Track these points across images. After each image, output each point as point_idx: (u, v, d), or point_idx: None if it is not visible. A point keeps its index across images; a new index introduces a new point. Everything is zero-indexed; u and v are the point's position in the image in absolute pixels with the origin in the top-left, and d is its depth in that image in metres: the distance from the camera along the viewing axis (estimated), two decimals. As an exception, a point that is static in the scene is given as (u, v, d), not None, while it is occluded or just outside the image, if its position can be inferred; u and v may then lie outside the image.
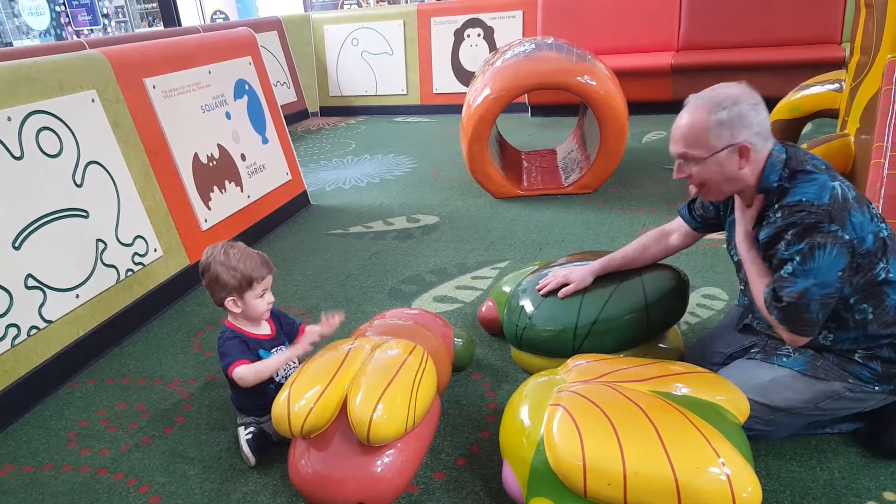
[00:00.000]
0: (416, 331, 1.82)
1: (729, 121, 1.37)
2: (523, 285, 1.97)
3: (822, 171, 1.39)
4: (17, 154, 2.09)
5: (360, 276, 2.79)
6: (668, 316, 1.85)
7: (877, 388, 1.46)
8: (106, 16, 10.22)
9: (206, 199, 2.92)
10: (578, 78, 3.20)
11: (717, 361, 1.70)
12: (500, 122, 4.05)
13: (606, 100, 3.21)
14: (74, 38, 9.24)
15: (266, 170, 3.40)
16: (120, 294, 2.41)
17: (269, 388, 1.71)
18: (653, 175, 3.75)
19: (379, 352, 1.61)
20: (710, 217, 1.72)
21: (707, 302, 2.30)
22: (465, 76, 5.96)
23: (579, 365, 1.52)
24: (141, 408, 2.00)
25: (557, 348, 1.82)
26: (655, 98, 5.01)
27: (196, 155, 2.91)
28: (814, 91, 3.12)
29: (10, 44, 9.84)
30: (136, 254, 2.49)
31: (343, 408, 1.51)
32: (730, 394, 1.40)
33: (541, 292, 1.87)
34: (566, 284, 1.85)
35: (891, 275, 1.39)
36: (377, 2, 10.07)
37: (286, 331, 1.83)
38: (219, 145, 3.08)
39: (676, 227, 1.83)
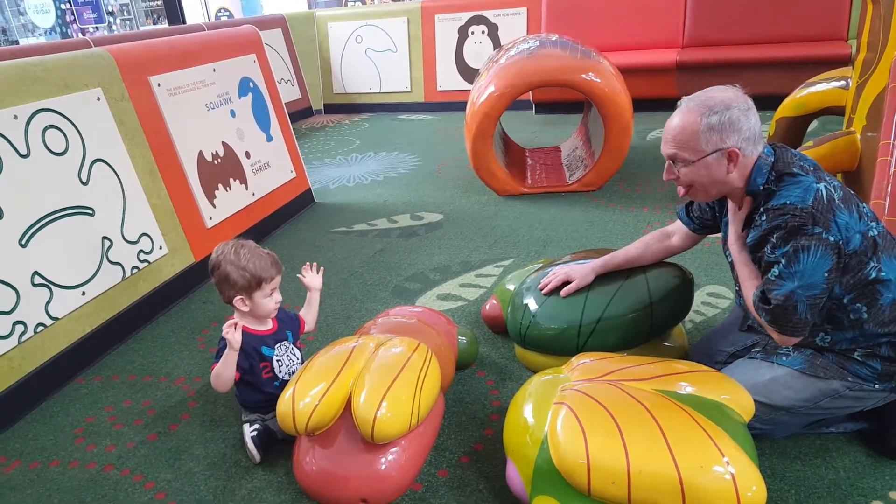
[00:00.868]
0: (419, 329, 1.83)
1: (720, 125, 1.39)
2: (527, 283, 1.97)
3: (808, 173, 1.40)
4: (24, 152, 2.10)
5: (364, 274, 2.79)
6: (672, 314, 1.84)
7: (877, 386, 1.46)
8: (111, 13, 10.25)
9: (211, 197, 2.92)
10: (583, 75, 3.19)
11: (720, 360, 1.70)
12: (505, 120, 4.05)
13: (611, 97, 3.20)
14: (80, 36, 9.26)
15: (270, 167, 3.40)
16: (126, 291, 2.42)
17: (271, 384, 1.72)
18: (657, 173, 3.74)
19: (383, 350, 1.62)
20: (707, 219, 1.73)
21: (712, 300, 2.29)
22: (469, 73, 5.95)
23: (583, 363, 1.52)
24: (146, 404, 2.01)
25: (561, 346, 1.81)
26: (660, 95, 4.99)
27: (201, 153, 2.92)
28: (820, 88, 3.10)
29: (16, 42, 9.88)
30: (141, 251, 2.50)
31: (347, 405, 1.51)
32: (734, 392, 1.39)
33: (543, 291, 1.87)
34: (568, 282, 1.85)
35: (882, 273, 1.39)
36: (381, -1, 10.05)
37: (290, 327, 1.83)
38: (223, 143, 3.08)
39: (677, 229, 1.84)
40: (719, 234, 1.74)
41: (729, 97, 1.41)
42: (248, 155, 3.24)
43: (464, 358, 1.96)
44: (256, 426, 1.71)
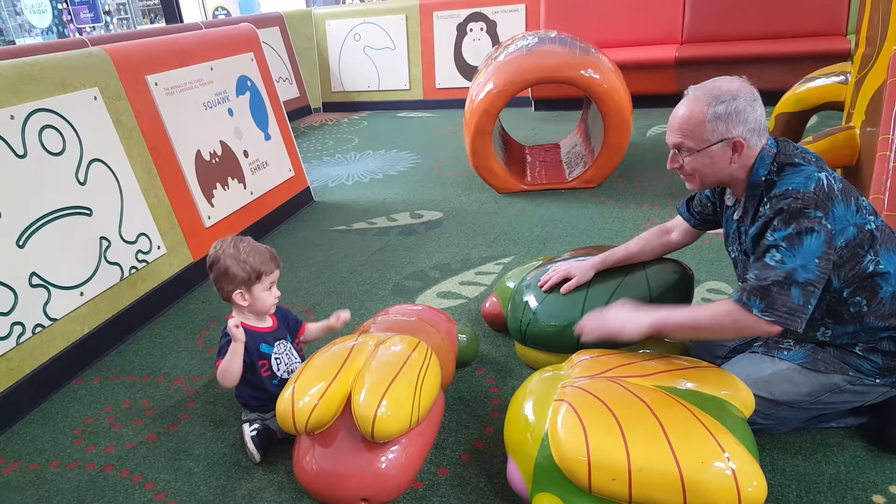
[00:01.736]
0: (419, 327, 1.82)
1: (726, 115, 1.39)
2: (527, 281, 1.97)
3: (810, 164, 1.40)
4: (21, 152, 2.09)
5: (364, 273, 2.78)
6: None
7: (878, 381, 1.46)
8: (108, 13, 10.23)
9: (209, 197, 2.92)
10: (582, 72, 3.19)
11: (720, 355, 1.70)
12: (504, 117, 4.04)
13: (610, 93, 3.19)
14: (76, 35, 9.24)
15: (269, 166, 3.40)
16: (124, 292, 2.41)
17: (270, 382, 1.72)
18: (657, 169, 3.73)
19: (383, 348, 1.61)
20: (707, 214, 1.73)
21: (712, 296, 2.29)
22: (467, 71, 5.94)
23: (584, 360, 1.51)
24: (146, 405, 2.00)
25: (562, 344, 1.81)
26: (659, 91, 4.99)
27: (199, 152, 2.91)
28: (819, 83, 3.10)
29: (13, 42, 9.86)
30: (139, 251, 2.50)
31: (347, 404, 1.51)
32: (735, 388, 1.39)
33: (542, 288, 1.87)
34: (568, 279, 1.84)
35: (881, 267, 1.39)
36: (379, -3, 10.03)
37: (290, 327, 1.83)
38: (221, 142, 3.07)
39: (677, 225, 1.83)
40: (719, 231, 1.74)
41: (736, 87, 1.40)
42: (246, 154, 3.23)
43: (464, 356, 1.96)
44: (256, 426, 1.70)
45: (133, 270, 2.46)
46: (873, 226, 1.39)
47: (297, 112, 6.23)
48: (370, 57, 6.30)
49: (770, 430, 1.56)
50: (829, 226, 1.32)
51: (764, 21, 4.89)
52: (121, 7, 10.44)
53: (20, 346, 2.01)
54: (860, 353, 1.45)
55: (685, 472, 1.18)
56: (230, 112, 3.18)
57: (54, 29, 9.90)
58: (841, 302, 1.42)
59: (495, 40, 5.82)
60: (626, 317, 1.50)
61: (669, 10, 5.16)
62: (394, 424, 1.43)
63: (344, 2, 10.13)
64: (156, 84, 2.73)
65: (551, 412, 1.34)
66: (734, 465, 1.18)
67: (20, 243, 2.04)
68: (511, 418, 1.45)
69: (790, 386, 1.47)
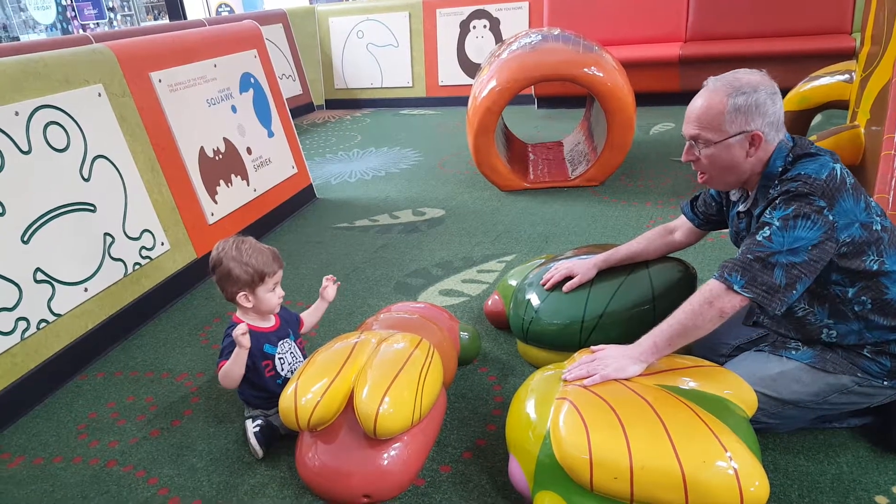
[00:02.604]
0: (422, 324, 1.82)
1: (746, 107, 1.37)
2: (529, 279, 1.97)
3: (825, 154, 1.40)
4: (25, 148, 2.10)
5: (366, 270, 2.79)
6: (675, 309, 1.83)
7: (885, 383, 1.45)
8: (111, 9, 10.23)
9: (212, 193, 2.92)
10: (585, 69, 3.18)
11: (724, 353, 1.70)
12: (507, 115, 4.04)
13: (614, 91, 3.18)
14: (80, 32, 9.25)
15: (272, 163, 3.40)
16: (128, 287, 2.42)
17: (274, 382, 1.72)
18: (661, 168, 3.73)
19: (385, 345, 1.61)
20: (712, 214, 1.72)
21: (714, 295, 2.29)
22: (470, 68, 5.93)
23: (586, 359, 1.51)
24: (149, 400, 2.01)
25: (564, 342, 1.81)
26: (663, 89, 4.97)
27: (202, 149, 2.91)
28: (824, 82, 3.09)
29: (17, 38, 9.87)
30: (143, 247, 2.50)
31: (350, 401, 1.51)
32: (737, 387, 1.39)
33: (545, 286, 1.87)
34: (570, 278, 1.84)
35: (886, 266, 1.38)
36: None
37: (291, 325, 1.83)
38: (225, 139, 3.08)
39: (680, 224, 1.83)
40: (723, 230, 1.73)
41: (756, 80, 1.39)
42: (249, 151, 3.24)
43: (466, 354, 1.96)
44: (259, 422, 1.71)
45: (137, 267, 2.46)
46: (880, 226, 1.39)
47: (300, 109, 6.23)
48: (373, 54, 6.30)
49: (774, 430, 1.56)
50: (830, 217, 1.31)
51: (768, 19, 4.87)
52: (124, 3, 10.45)
53: (24, 342, 2.02)
54: (868, 354, 1.45)
55: (687, 471, 1.18)
56: (234, 109, 3.18)
57: (58, 25, 9.91)
58: (845, 302, 1.42)
59: (498, 38, 5.81)
60: (620, 356, 1.43)
61: (673, 8, 5.14)
62: (396, 422, 1.44)
63: (347, -2, 10.12)
64: (159, 81, 2.73)
65: (553, 410, 1.34)
66: (736, 464, 1.18)
67: (25, 239, 2.05)
68: (513, 416, 1.45)
69: (798, 385, 1.47)
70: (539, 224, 3.10)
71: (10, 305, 1.98)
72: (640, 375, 1.41)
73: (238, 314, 1.75)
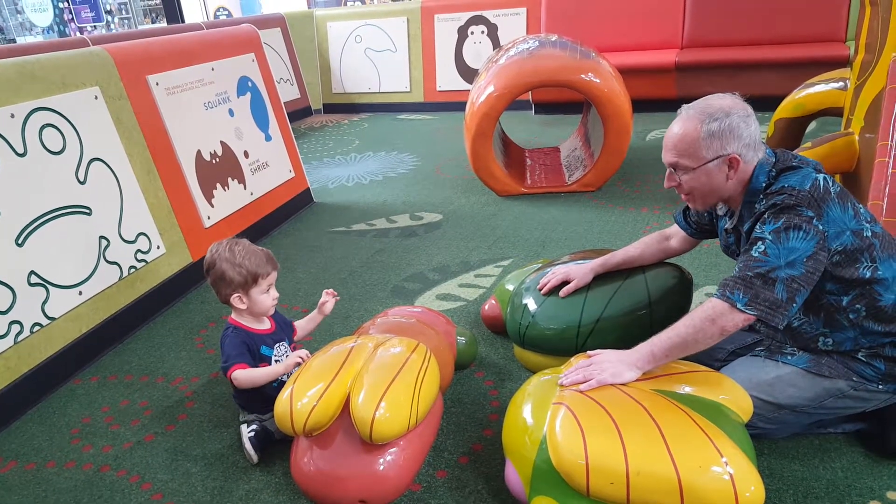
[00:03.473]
0: (418, 329, 1.82)
1: (720, 132, 1.40)
2: (526, 283, 1.97)
3: (807, 166, 1.42)
4: (21, 151, 2.09)
5: (363, 274, 2.78)
6: (671, 314, 1.83)
7: (881, 386, 1.46)
8: (109, 12, 10.23)
9: (209, 197, 2.92)
10: (582, 75, 3.19)
11: (720, 358, 1.70)
12: (504, 120, 4.05)
13: (610, 97, 3.20)
14: (77, 34, 9.25)
15: (269, 167, 3.40)
16: (123, 291, 2.41)
17: (270, 386, 1.72)
18: (657, 173, 3.74)
19: (381, 350, 1.61)
20: (704, 223, 1.74)
21: (710, 301, 2.29)
22: (468, 73, 5.95)
23: (582, 364, 1.51)
24: (143, 405, 2.00)
25: (561, 346, 1.81)
26: (659, 96, 4.99)
27: (199, 152, 2.91)
28: (818, 89, 3.10)
29: (14, 40, 9.85)
30: (138, 251, 2.50)
31: (346, 406, 1.50)
32: (733, 392, 1.39)
33: (542, 291, 1.87)
34: (567, 282, 1.85)
35: (879, 273, 1.39)
36: (380, -1, 10.05)
37: (285, 329, 1.83)
38: (222, 142, 3.08)
39: (676, 232, 1.85)
40: (717, 239, 1.75)
41: (728, 104, 1.42)
42: (246, 154, 3.23)
43: (463, 358, 1.96)
44: (254, 427, 1.70)
45: (132, 270, 2.46)
46: (870, 232, 1.40)
47: (298, 113, 6.23)
48: (371, 59, 6.31)
49: (770, 435, 1.56)
50: (820, 226, 1.33)
51: (764, 26, 4.90)
52: (122, 6, 10.45)
53: (18, 345, 2.01)
54: (863, 358, 1.46)
55: (683, 476, 1.18)
56: (231, 112, 3.18)
57: (55, 28, 9.90)
58: (840, 311, 1.43)
59: (496, 43, 5.83)
60: (617, 362, 1.42)
61: (670, 15, 5.17)
62: (392, 426, 1.43)
63: (345, 3, 10.14)
64: (157, 84, 2.73)
65: (550, 415, 1.34)
66: (732, 469, 1.18)
67: (19, 242, 2.04)
68: (509, 421, 1.45)
69: (794, 390, 1.47)
70: (536, 229, 3.10)
71: (4, 308, 1.97)
72: (636, 381, 1.41)
73: (233, 316, 1.74)
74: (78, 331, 2.22)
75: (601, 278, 1.86)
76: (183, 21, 7.09)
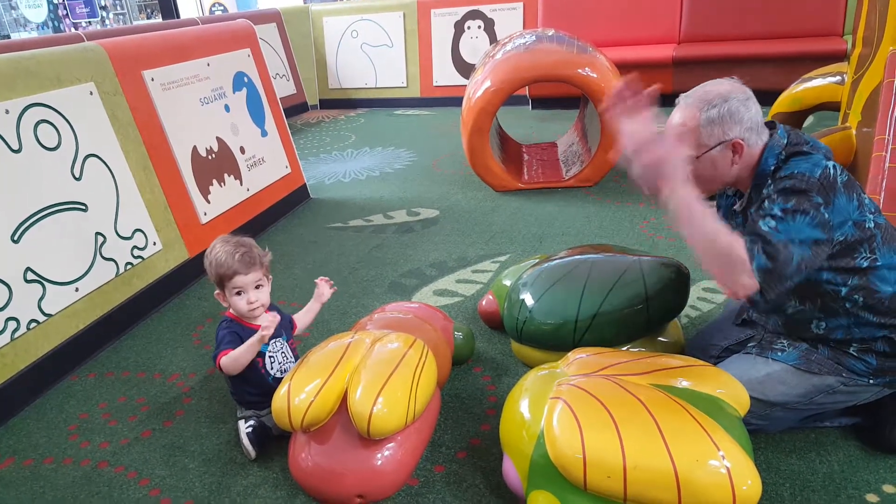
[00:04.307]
0: (416, 324, 1.82)
1: (720, 118, 1.39)
2: (524, 279, 1.97)
3: (818, 152, 1.40)
4: (16, 147, 2.08)
5: (360, 270, 2.78)
6: (668, 309, 1.85)
7: (871, 381, 1.46)
8: (104, 8, 10.17)
9: (205, 193, 2.91)
10: (579, 70, 3.19)
11: (713, 355, 1.71)
12: (501, 115, 4.04)
13: (607, 92, 3.19)
14: (72, 30, 9.20)
15: (265, 163, 3.39)
16: (119, 288, 2.40)
17: (267, 381, 1.71)
18: (653, 168, 3.74)
19: (379, 345, 1.61)
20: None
21: (708, 295, 2.30)
22: (465, 68, 5.93)
23: (579, 358, 1.52)
24: (141, 401, 2.00)
25: (558, 342, 1.81)
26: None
27: (195, 148, 2.90)
28: (815, 83, 3.11)
29: (8, 36, 9.79)
30: (135, 247, 2.49)
31: (343, 401, 1.51)
32: (730, 387, 1.39)
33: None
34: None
35: (878, 264, 1.38)
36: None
37: (284, 325, 1.82)
38: (218, 138, 3.06)
39: None
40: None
41: (726, 89, 1.40)
42: (242, 150, 3.22)
43: (460, 353, 1.96)
44: (252, 422, 1.70)
45: (128, 266, 2.45)
46: (873, 223, 1.39)
47: (294, 109, 6.21)
48: (367, 54, 6.29)
49: (764, 430, 1.56)
50: (826, 215, 1.31)
51: (761, 21, 4.90)
52: (117, 2, 10.39)
53: (14, 342, 2.00)
54: (854, 353, 1.46)
55: (680, 470, 1.18)
56: (227, 108, 3.16)
57: (50, 24, 9.84)
58: (837, 299, 1.42)
59: (493, 38, 5.82)
60: (671, 150, 1.28)
61: (667, 10, 5.17)
62: (390, 422, 1.43)
63: (341, -2, 10.10)
64: (152, 79, 2.72)
65: (547, 410, 1.34)
66: (729, 463, 1.18)
67: (15, 238, 2.03)
68: (507, 416, 1.45)
69: (784, 387, 1.48)
70: (533, 224, 3.10)
71: (0, 305, 1.96)
72: (633, 375, 1.41)
73: (231, 310, 1.74)
74: (75, 327, 2.21)
75: (598, 274, 1.86)
76: (178, 16, 7.06)
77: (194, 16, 8.60)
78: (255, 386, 1.71)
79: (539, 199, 3.43)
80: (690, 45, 5.02)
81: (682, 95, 1.46)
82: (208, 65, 3.07)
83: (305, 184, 3.77)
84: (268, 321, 1.62)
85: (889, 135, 2.13)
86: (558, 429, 1.28)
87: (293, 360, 1.80)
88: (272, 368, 1.73)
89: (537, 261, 2.10)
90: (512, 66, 3.27)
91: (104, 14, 10.16)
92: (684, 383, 1.39)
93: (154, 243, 2.58)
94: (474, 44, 5.89)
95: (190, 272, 2.74)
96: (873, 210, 1.41)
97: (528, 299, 1.88)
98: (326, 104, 6.59)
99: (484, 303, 2.21)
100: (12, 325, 1.99)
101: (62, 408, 2.00)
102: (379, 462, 1.47)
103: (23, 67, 2.17)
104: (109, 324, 2.35)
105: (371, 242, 3.07)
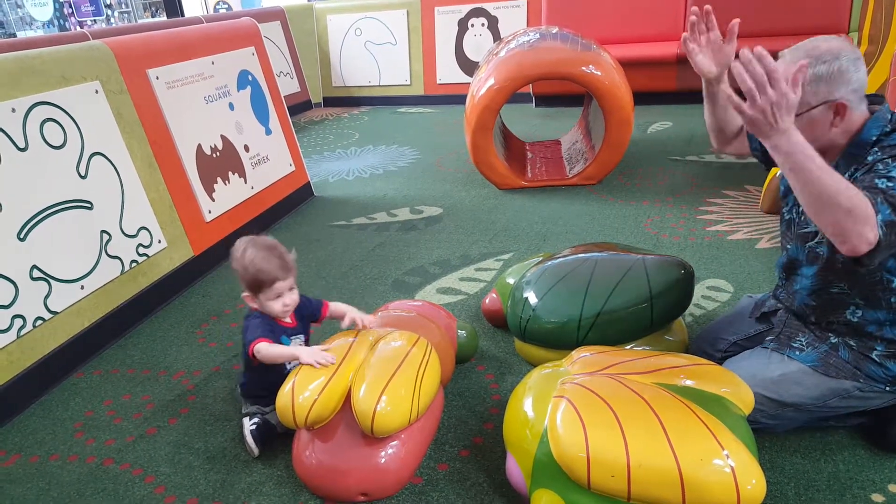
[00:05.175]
0: (419, 322, 1.82)
1: (828, 76, 1.28)
2: (527, 277, 1.97)
3: None
4: (22, 145, 2.09)
5: (364, 268, 2.78)
6: (672, 308, 1.84)
7: (888, 388, 1.44)
8: (109, 6, 10.20)
9: (209, 191, 2.92)
10: (583, 68, 3.18)
11: (721, 348, 1.69)
12: (505, 113, 4.04)
13: (611, 90, 3.18)
14: (77, 28, 9.23)
15: (269, 161, 3.39)
16: (124, 285, 2.41)
17: (283, 375, 1.69)
18: (658, 166, 3.73)
19: (382, 343, 1.61)
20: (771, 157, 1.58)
21: (712, 294, 2.29)
22: (468, 66, 5.92)
23: (583, 357, 1.51)
24: (146, 399, 2.01)
25: (561, 340, 1.81)
26: (660, 88, 4.97)
27: (199, 146, 2.91)
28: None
29: (14, 35, 9.84)
30: (140, 245, 2.50)
31: (347, 399, 1.51)
32: (734, 386, 1.39)
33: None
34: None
35: None
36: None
37: (306, 314, 1.78)
38: (222, 136, 3.07)
39: (741, 135, 1.65)
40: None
41: (837, 46, 1.29)
42: (246, 148, 3.23)
43: (464, 352, 1.96)
44: (256, 420, 1.71)
45: (134, 264, 2.46)
46: None
47: (298, 107, 6.22)
48: (371, 52, 6.28)
49: (772, 430, 1.55)
50: None
51: (766, 19, 4.88)
52: (122, 1, 10.41)
53: (21, 339, 2.01)
54: (877, 358, 1.43)
55: (684, 469, 1.18)
56: (231, 106, 3.17)
57: (55, 22, 9.88)
58: (886, 290, 1.37)
59: (496, 36, 5.81)
60: (788, 93, 1.12)
61: (671, 8, 5.15)
62: (393, 420, 1.44)
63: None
64: (157, 78, 2.72)
65: (550, 408, 1.34)
66: (733, 462, 1.18)
67: (21, 236, 2.04)
68: (510, 414, 1.45)
69: (800, 388, 1.46)
70: (537, 222, 3.10)
71: (7, 303, 1.97)
72: (637, 374, 1.41)
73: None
74: (80, 325, 2.22)
75: (602, 272, 1.86)
76: (183, 15, 7.07)
77: (199, 14, 8.62)
78: (273, 377, 1.70)
79: (543, 197, 3.43)
80: (695, 42, 5.00)
81: (788, 49, 1.34)
82: (213, 63, 3.08)
83: (309, 182, 3.78)
84: (315, 359, 1.56)
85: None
86: (562, 427, 1.28)
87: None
88: (289, 364, 1.73)
89: (541, 259, 2.10)
90: (515, 64, 3.27)
91: (109, 12, 10.19)
92: (689, 382, 1.38)
93: (159, 241, 2.59)
94: (478, 41, 5.88)
95: (195, 270, 2.75)
96: None
97: (532, 297, 1.88)
98: (330, 102, 6.59)
99: (487, 301, 2.21)
100: (18, 322, 2.00)
101: (68, 405, 2.02)
102: (382, 460, 1.48)
103: (28, 66, 2.18)
104: (115, 321, 2.36)
105: (374, 240, 3.08)
